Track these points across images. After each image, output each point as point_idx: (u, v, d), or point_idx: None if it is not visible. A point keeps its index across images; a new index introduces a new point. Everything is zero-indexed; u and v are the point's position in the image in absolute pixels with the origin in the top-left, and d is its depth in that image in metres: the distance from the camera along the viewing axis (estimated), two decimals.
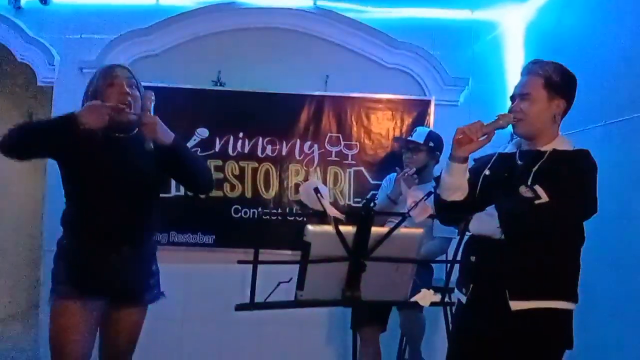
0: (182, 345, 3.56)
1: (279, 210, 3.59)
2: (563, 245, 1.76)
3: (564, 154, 1.76)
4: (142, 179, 2.06)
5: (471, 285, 1.80)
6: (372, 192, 3.45)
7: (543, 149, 1.79)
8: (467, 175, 1.82)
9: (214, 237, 3.60)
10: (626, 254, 2.53)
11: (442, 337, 3.06)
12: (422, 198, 1.46)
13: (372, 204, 1.34)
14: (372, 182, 3.53)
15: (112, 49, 3.62)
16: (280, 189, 3.61)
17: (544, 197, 1.63)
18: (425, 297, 1.48)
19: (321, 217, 1.47)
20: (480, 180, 1.84)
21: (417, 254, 1.48)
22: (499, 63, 3.70)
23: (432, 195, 1.79)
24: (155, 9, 3.72)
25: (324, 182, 3.57)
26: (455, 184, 1.81)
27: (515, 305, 1.71)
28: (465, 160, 1.79)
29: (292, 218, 3.52)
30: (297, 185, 3.57)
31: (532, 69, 1.82)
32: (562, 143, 1.81)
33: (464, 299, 1.85)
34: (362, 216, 1.33)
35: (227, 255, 3.60)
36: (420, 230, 1.48)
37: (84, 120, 1.84)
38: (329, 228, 1.39)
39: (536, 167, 1.74)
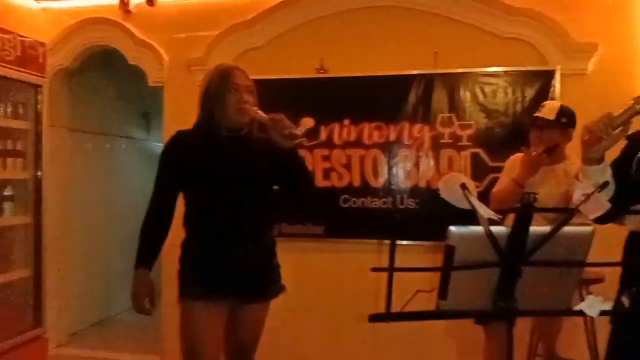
0: (298, 334, 3.57)
1: (389, 199, 3.44)
2: None
3: None
4: (258, 175, 2.03)
5: (634, 289, 1.55)
6: (492, 176, 3.19)
7: None
8: (609, 170, 1.55)
9: (323, 227, 3.55)
10: None
11: (579, 331, 2.77)
12: (595, 190, 1.22)
13: (532, 199, 1.13)
14: (491, 164, 3.26)
15: (217, 45, 3.64)
16: (390, 176, 3.45)
17: None
18: (593, 305, 1.25)
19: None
20: (635, 163, 1.57)
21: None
22: (632, 24, 3.22)
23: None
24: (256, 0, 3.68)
25: (437, 167, 3.37)
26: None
27: None
28: (601, 160, 1.52)
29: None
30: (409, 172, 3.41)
31: None
32: None
33: (626, 303, 1.59)
34: (519, 214, 1.14)
35: (337, 246, 3.56)
36: (590, 228, 1.25)
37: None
38: (476, 229, 1.21)
39: None
